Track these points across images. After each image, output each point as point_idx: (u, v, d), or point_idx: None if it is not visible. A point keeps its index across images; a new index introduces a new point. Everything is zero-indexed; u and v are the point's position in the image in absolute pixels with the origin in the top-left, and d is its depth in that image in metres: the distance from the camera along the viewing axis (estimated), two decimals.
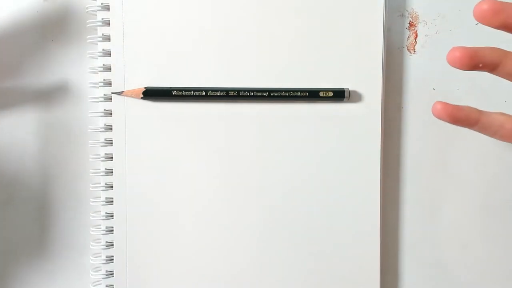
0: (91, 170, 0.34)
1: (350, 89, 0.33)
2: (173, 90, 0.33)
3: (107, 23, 0.33)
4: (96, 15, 0.33)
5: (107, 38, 0.33)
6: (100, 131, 0.33)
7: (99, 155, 0.33)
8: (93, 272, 0.34)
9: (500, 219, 0.35)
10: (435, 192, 0.35)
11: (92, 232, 0.34)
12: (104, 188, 0.33)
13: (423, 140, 0.35)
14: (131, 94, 0.33)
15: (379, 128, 0.34)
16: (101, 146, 0.33)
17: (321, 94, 0.33)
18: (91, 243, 0.34)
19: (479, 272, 0.36)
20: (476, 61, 0.23)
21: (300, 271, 0.34)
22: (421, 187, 0.35)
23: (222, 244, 0.34)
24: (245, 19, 0.33)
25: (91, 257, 0.34)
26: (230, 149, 0.34)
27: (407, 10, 0.35)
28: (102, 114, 0.33)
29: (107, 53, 0.33)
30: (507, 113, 0.26)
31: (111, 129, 0.33)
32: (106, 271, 0.34)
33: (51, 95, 0.35)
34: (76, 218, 0.35)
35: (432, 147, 0.35)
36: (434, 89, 0.35)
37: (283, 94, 0.33)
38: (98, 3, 0.33)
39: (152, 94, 0.33)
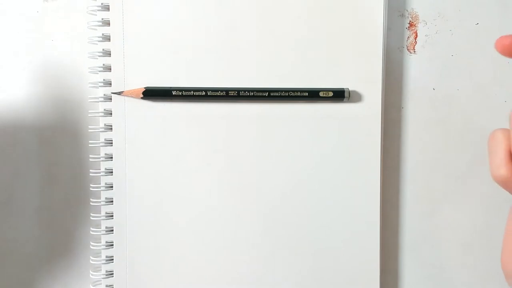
0: (91, 170, 0.34)
1: (350, 89, 0.33)
2: (173, 90, 0.33)
3: (107, 23, 0.33)
4: (96, 15, 0.33)
5: (107, 38, 0.33)
6: (100, 131, 0.33)
7: (99, 155, 0.33)
8: (93, 272, 0.34)
9: (499, 219, 0.35)
10: (435, 192, 0.35)
11: (92, 232, 0.34)
12: (104, 188, 0.33)
13: (423, 140, 0.35)
14: (131, 94, 0.33)
15: (379, 128, 0.34)
16: (101, 146, 0.33)
17: (321, 94, 0.33)
18: (91, 243, 0.34)
19: (479, 272, 0.36)
20: None
21: (300, 271, 0.34)
22: (421, 187, 0.35)
23: (222, 244, 0.34)
24: (245, 19, 0.33)
25: (91, 257, 0.34)
26: (230, 149, 0.34)
27: (407, 10, 0.35)
28: (102, 114, 0.33)
29: (107, 53, 0.33)
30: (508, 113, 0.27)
31: (111, 129, 0.33)
32: (106, 271, 0.34)
33: (51, 95, 0.35)
34: (76, 218, 0.35)
35: (432, 147, 0.35)
36: (434, 89, 0.35)
37: (283, 94, 0.33)
38: (98, 3, 0.33)
39: (152, 94, 0.33)
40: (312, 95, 0.33)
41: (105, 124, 0.33)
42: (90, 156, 0.34)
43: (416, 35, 0.35)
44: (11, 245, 0.35)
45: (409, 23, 0.35)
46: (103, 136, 0.33)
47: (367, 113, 0.34)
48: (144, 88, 0.33)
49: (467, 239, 0.36)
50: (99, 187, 0.33)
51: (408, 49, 0.35)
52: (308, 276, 0.34)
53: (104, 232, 0.34)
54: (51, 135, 0.35)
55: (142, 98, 0.33)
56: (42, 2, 0.35)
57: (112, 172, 0.33)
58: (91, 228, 0.34)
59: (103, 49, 0.33)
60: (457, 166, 0.35)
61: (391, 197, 0.36)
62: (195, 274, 0.34)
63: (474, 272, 0.36)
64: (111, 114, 0.33)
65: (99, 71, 0.33)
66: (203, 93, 0.33)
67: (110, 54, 0.33)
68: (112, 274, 0.34)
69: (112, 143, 0.33)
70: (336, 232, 0.34)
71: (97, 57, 0.33)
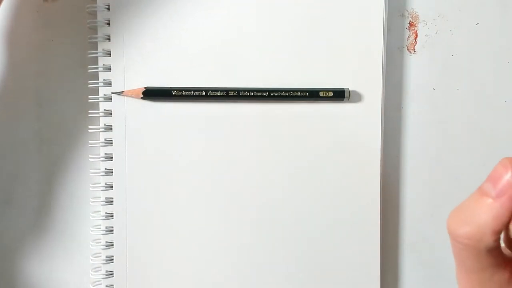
0: (91, 170, 0.34)
1: (350, 89, 0.33)
2: (173, 90, 0.33)
3: (107, 23, 0.33)
4: (96, 15, 0.33)
5: (107, 38, 0.33)
6: (100, 131, 0.33)
7: (99, 155, 0.33)
8: (93, 272, 0.34)
9: None
10: (435, 192, 0.35)
11: (92, 232, 0.34)
12: (104, 188, 0.33)
13: (423, 140, 0.35)
14: (131, 94, 0.33)
15: (379, 128, 0.34)
16: (101, 146, 0.33)
17: (321, 94, 0.33)
18: (91, 243, 0.34)
19: None
20: None
21: (300, 271, 0.34)
22: (421, 187, 0.35)
23: (222, 244, 0.34)
24: (245, 19, 0.33)
25: (91, 257, 0.34)
26: (230, 149, 0.34)
27: (407, 10, 0.35)
28: (102, 114, 0.33)
29: (107, 53, 0.33)
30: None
31: (111, 129, 0.33)
32: (106, 271, 0.34)
33: (51, 95, 0.35)
34: (76, 218, 0.35)
35: (432, 147, 0.35)
36: (434, 89, 0.35)
37: (283, 94, 0.33)
38: (98, 3, 0.33)
39: (152, 94, 0.33)
40: (312, 95, 0.33)
41: (105, 124, 0.33)
42: (90, 156, 0.34)
43: (416, 35, 0.35)
44: (11, 245, 0.35)
45: (409, 23, 0.35)
46: (103, 136, 0.33)
47: (367, 113, 0.34)
48: (144, 88, 0.33)
49: None
50: (99, 187, 0.33)
51: (408, 49, 0.35)
52: (308, 276, 0.34)
53: (104, 232, 0.34)
54: (51, 135, 0.35)
55: (142, 98, 0.33)
56: (42, 2, 0.35)
57: (112, 172, 0.33)
58: (91, 228, 0.34)
59: (103, 49, 0.33)
60: (457, 166, 0.35)
61: (391, 197, 0.36)
62: (195, 274, 0.34)
63: None
64: (111, 114, 0.33)
65: (99, 71, 0.33)
66: (203, 93, 0.33)
67: (110, 54, 0.33)
68: (112, 274, 0.34)
69: (112, 143, 0.33)
70: (336, 232, 0.34)
71: (97, 57, 0.33)
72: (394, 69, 0.35)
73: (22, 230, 0.35)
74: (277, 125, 0.34)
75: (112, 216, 0.34)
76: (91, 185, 0.34)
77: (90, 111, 0.33)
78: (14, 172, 0.35)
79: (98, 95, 0.33)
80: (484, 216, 0.17)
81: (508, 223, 0.17)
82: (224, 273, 0.34)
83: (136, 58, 0.33)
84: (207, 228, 0.34)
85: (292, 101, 0.33)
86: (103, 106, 0.33)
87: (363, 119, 0.34)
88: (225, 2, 0.33)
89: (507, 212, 0.17)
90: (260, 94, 0.33)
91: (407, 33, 0.35)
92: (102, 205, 0.34)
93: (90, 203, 0.34)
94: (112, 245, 0.34)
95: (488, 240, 0.17)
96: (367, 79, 0.34)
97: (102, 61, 0.33)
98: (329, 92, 0.33)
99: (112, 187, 0.33)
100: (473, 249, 0.18)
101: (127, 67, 0.33)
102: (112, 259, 0.34)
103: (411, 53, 0.35)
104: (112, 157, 0.33)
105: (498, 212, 0.17)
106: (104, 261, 0.34)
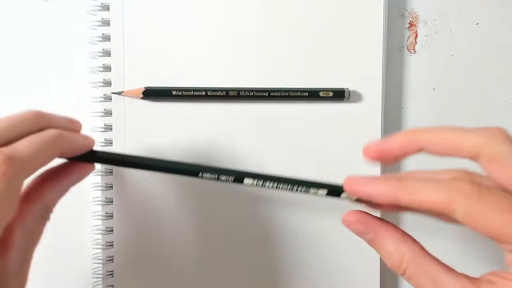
0: None
1: (350, 89, 0.33)
2: (173, 90, 0.33)
3: (107, 23, 0.33)
4: (96, 15, 0.33)
5: (107, 38, 0.33)
6: (100, 131, 0.33)
7: None
8: (93, 272, 0.34)
9: None
10: None
11: (92, 232, 0.34)
12: (104, 188, 0.33)
13: None
14: (131, 94, 0.33)
15: (379, 128, 0.34)
16: (101, 146, 0.33)
17: (321, 94, 0.33)
18: (91, 243, 0.34)
19: (479, 272, 0.36)
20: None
21: (300, 271, 0.34)
22: None
23: (222, 244, 0.34)
24: (246, 19, 0.33)
25: (91, 257, 0.34)
26: (230, 149, 0.34)
27: (407, 10, 0.35)
28: (102, 114, 0.33)
29: (107, 53, 0.33)
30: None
31: (111, 129, 0.33)
32: (106, 271, 0.34)
33: (50, 95, 0.35)
34: (76, 218, 0.35)
35: None
36: (434, 89, 0.35)
37: (283, 94, 0.33)
38: (98, 3, 0.33)
39: (152, 94, 0.33)
40: (312, 95, 0.33)
41: (105, 124, 0.33)
42: None
43: (416, 35, 0.35)
44: None
45: (409, 23, 0.35)
46: (103, 136, 0.33)
47: (367, 113, 0.34)
48: (144, 88, 0.33)
49: (467, 239, 0.35)
50: (99, 187, 0.33)
51: (408, 49, 0.35)
52: (309, 277, 0.34)
53: (104, 232, 0.34)
54: None
55: (142, 98, 0.33)
56: (42, 2, 0.35)
57: (112, 172, 0.33)
58: (91, 228, 0.34)
59: (103, 49, 0.33)
60: (457, 166, 0.35)
61: None
62: (195, 274, 0.34)
63: (474, 272, 0.36)
64: (111, 114, 0.33)
65: (99, 71, 0.33)
66: (203, 93, 0.33)
67: (110, 54, 0.33)
68: (112, 274, 0.34)
69: (112, 143, 0.33)
70: (336, 233, 0.34)
71: (97, 57, 0.33)
72: (394, 69, 0.35)
73: None
74: (277, 125, 0.34)
75: (112, 216, 0.34)
76: (91, 185, 0.34)
77: (90, 111, 0.33)
78: None
79: (98, 95, 0.33)
80: None
81: None
82: (224, 273, 0.34)
83: (136, 58, 0.33)
84: (208, 228, 0.34)
85: (292, 101, 0.33)
86: (103, 106, 0.33)
87: (363, 119, 0.34)
88: (225, 2, 0.33)
89: None
90: (260, 94, 0.33)
91: (407, 33, 0.35)
92: (102, 205, 0.34)
93: (90, 203, 0.34)
94: (112, 245, 0.34)
95: None
96: (367, 79, 0.34)
97: (102, 61, 0.33)
98: (329, 92, 0.33)
99: (112, 187, 0.34)
100: None
101: (127, 67, 0.33)
102: (112, 259, 0.34)
103: (411, 53, 0.35)
104: None
105: None
106: (104, 261, 0.34)
